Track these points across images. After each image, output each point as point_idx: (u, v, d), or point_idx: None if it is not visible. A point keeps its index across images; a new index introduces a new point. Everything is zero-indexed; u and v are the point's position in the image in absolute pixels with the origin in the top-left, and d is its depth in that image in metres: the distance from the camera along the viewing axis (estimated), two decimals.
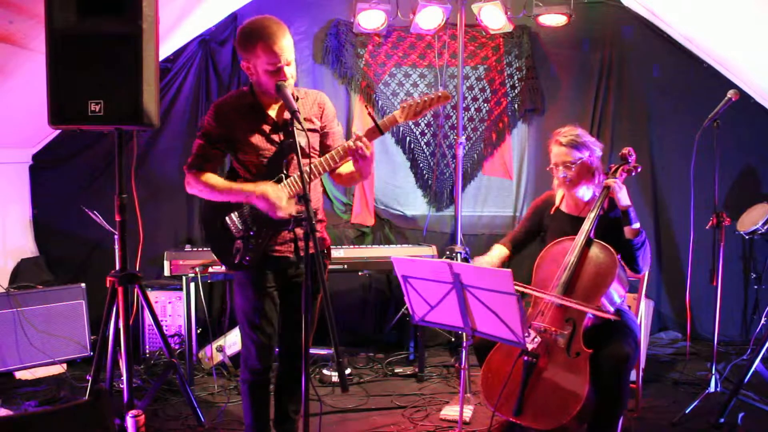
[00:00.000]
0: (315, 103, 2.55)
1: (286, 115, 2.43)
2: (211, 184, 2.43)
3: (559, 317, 2.57)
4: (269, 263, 2.48)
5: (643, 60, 4.51)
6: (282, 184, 2.41)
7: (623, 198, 2.65)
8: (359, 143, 2.34)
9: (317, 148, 2.54)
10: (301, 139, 2.25)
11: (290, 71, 2.37)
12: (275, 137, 2.46)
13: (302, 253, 2.48)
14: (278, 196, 2.34)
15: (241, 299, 2.54)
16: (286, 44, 2.32)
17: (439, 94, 2.43)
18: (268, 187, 2.36)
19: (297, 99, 2.46)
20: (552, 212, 2.91)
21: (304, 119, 2.46)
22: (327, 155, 2.41)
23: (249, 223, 2.43)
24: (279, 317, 2.61)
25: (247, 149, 2.44)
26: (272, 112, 2.48)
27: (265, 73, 2.34)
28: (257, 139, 2.44)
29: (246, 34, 2.34)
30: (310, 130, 2.48)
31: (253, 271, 2.47)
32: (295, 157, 2.42)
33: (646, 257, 2.72)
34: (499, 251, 2.94)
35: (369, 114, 2.55)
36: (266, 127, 2.45)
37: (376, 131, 2.41)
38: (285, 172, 2.44)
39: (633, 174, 2.82)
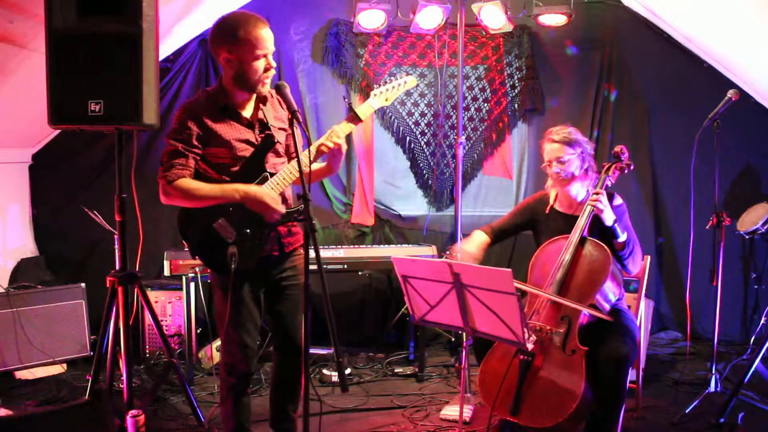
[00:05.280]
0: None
1: (260, 114, 2.46)
2: (198, 190, 2.35)
3: (555, 315, 2.58)
4: (258, 263, 2.44)
5: (643, 60, 4.51)
6: (270, 182, 2.41)
7: (607, 218, 2.66)
8: (337, 141, 2.42)
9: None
10: (282, 138, 2.26)
11: (273, 63, 2.40)
12: (251, 136, 2.44)
13: (287, 250, 2.52)
14: (273, 198, 2.35)
15: (225, 304, 2.43)
16: (269, 34, 2.36)
17: (407, 80, 2.66)
18: (263, 189, 2.36)
19: (266, 99, 2.48)
20: (547, 212, 2.92)
21: (275, 118, 2.49)
22: (303, 152, 2.42)
23: (242, 226, 2.39)
24: (271, 317, 2.61)
25: (223, 151, 2.40)
26: (245, 112, 2.46)
27: (248, 61, 2.34)
28: (234, 140, 2.40)
29: (229, 24, 2.34)
30: (280, 128, 2.50)
31: (235, 274, 2.38)
32: (271, 156, 2.45)
33: (635, 262, 2.78)
34: (479, 237, 2.97)
35: (348, 104, 2.66)
36: (241, 127, 2.43)
37: (355, 118, 2.52)
38: (267, 170, 2.43)
39: (626, 172, 2.83)
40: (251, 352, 2.53)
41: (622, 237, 2.68)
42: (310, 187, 2.13)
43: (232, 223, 2.39)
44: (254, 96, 2.47)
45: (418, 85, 2.71)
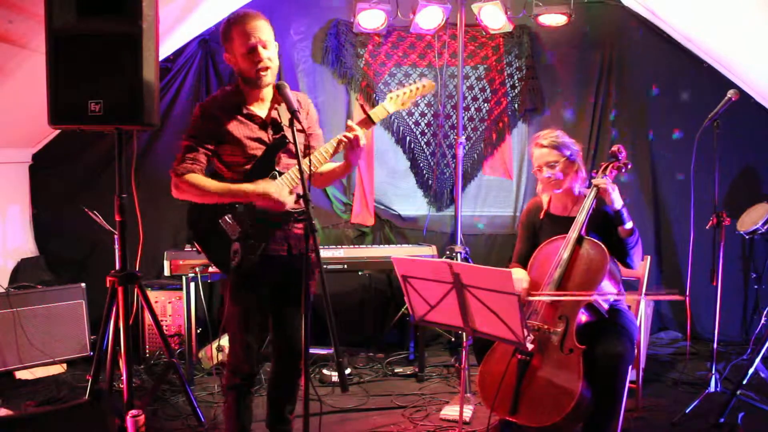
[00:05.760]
0: (300, 105, 2.55)
1: (274, 113, 2.46)
2: (206, 186, 2.39)
3: (552, 315, 2.59)
4: (264, 263, 2.45)
5: (643, 60, 4.51)
6: (280, 179, 2.41)
7: (616, 199, 2.64)
8: (355, 132, 2.41)
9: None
10: (300, 139, 2.26)
11: (267, 54, 2.39)
12: (264, 136, 2.45)
13: (295, 252, 2.51)
14: (279, 192, 2.36)
15: (233, 303, 2.47)
16: (259, 25, 2.36)
17: (425, 83, 2.60)
18: (268, 185, 2.37)
19: (280, 99, 2.46)
20: (542, 217, 2.92)
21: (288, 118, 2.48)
22: (321, 148, 2.45)
23: (246, 223, 2.40)
24: (272, 317, 2.61)
25: (235, 149, 2.43)
26: (259, 111, 2.47)
27: (242, 56, 2.37)
28: (246, 138, 2.43)
29: (223, 26, 2.42)
30: (298, 130, 2.49)
31: (244, 273, 2.42)
32: (283, 156, 2.46)
33: (639, 254, 2.74)
34: (521, 271, 2.85)
35: (361, 106, 2.62)
36: (254, 126, 2.45)
37: (367, 122, 2.49)
38: (277, 169, 2.44)
39: (623, 171, 2.82)
40: (253, 352, 2.53)
41: (629, 224, 2.65)
42: (311, 187, 2.13)
43: (237, 219, 2.41)
44: (269, 95, 2.49)
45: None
